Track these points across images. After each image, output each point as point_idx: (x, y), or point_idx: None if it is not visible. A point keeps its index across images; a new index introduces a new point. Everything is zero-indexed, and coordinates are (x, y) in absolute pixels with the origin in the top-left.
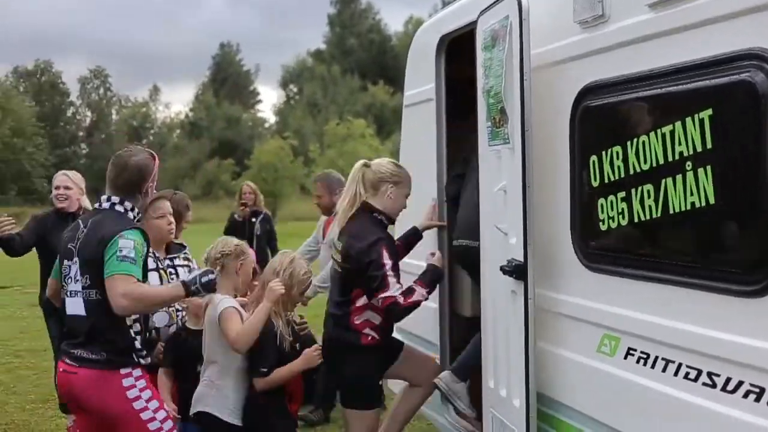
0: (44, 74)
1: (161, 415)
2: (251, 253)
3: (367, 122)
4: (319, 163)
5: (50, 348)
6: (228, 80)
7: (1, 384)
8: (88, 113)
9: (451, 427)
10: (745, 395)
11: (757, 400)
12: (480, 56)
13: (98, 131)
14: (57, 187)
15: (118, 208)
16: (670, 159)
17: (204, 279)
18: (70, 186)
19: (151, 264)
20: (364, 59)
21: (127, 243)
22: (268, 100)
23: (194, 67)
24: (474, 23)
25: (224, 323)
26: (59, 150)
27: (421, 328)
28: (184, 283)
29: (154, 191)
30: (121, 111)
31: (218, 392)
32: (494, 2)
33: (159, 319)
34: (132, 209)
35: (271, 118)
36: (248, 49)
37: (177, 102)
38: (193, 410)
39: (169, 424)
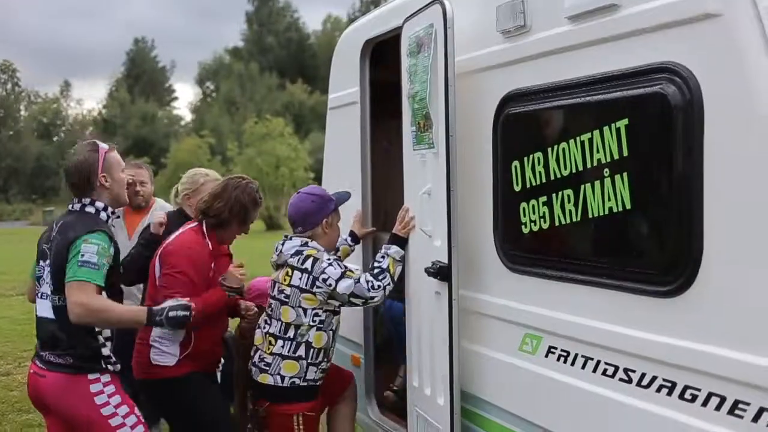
0: None
1: (131, 420)
2: None
3: (285, 121)
4: (237, 162)
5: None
6: (142, 76)
7: None
8: None
9: (375, 426)
10: (658, 390)
11: (669, 394)
12: (405, 62)
13: (5, 128)
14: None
15: (89, 209)
16: (588, 165)
17: (172, 313)
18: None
19: None
20: (282, 57)
21: (90, 248)
22: (184, 97)
23: (107, 63)
24: (399, 29)
25: None
26: None
27: (344, 327)
28: (150, 310)
29: (120, 176)
30: (30, 107)
31: None
32: (419, 10)
33: None
34: (105, 208)
35: (188, 116)
36: (164, 45)
37: (89, 98)
38: None
39: (140, 429)
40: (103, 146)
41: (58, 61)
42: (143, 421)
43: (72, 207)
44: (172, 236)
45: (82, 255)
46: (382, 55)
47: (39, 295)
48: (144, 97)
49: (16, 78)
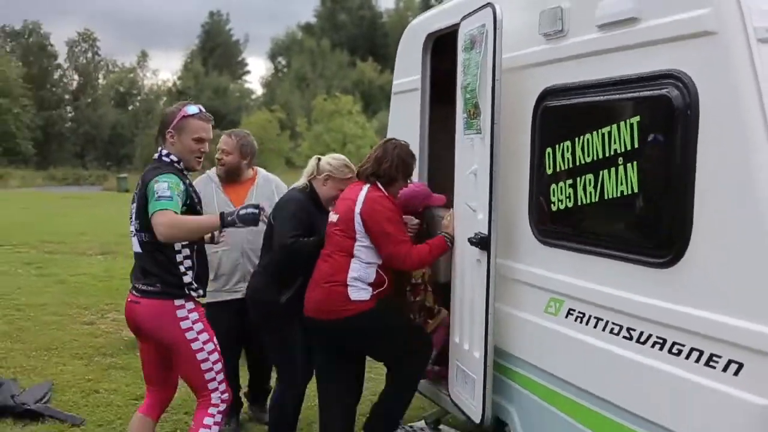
0: (32, 35)
1: (209, 347)
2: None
3: (354, 99)
4: (305, 138)
5: (49, 303)
6: (216, 49)
7: (4, 334)
8: (75, 77)
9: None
10: (653, 345)
11: (661, 349)
12: (460, 56)
13: (84, 95)
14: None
15: (165, 158)
16: (607, 154)
17: (242, 212)
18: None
19: None
20: (354, 35)
21: (161, 186)
22: (256, 71)
23: (183, 35)
24: (456, 25)
25: None
26: (45, 112)
27: None
28: (221, 213)
29: (189, 142)
30: (108, 76)
31: None
32: (473, 11)
33: None
34: (177, 162)
35: (259, 90)
36: (238, 19)
37: (165, 69)
38: None
39: (215, 356)
40: (188, 110)
41: (137, 32)
42: (219, 350)
43: (154, 156)
44: (359, 198)
45: (156, 192)
46: (443, 47)
47: (132, 233)
48: (218, 70)
49: (96, 47)
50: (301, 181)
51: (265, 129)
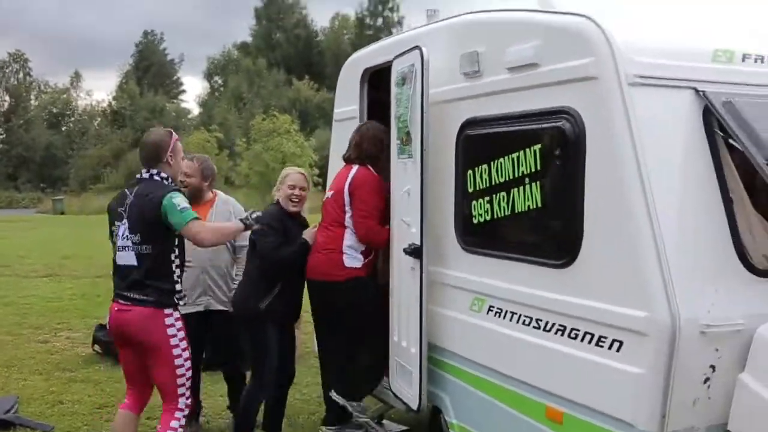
0: None
1: (185, 354)
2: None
3: (292, 118)
4: (244, 157)
5: (0, 324)
6: (151, 69)
7: None
8: (6, 98)
9: None
10: (556, 332)
11: (562, 335)
12: (393, 90)
13: (16, 116)
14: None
15: (156, 178)
16: (516, 175)
17: (254, 215)
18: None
19: None
20: (289, 54)
21: (179, 199)
22: (192, 90)
23: (117, 55)
24: (390, 63)
25: None
26: None
27: None
28: (241, 219)
29: (180, 162)
30: (40, 96)
31: None
32: (404, 51)
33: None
34: (167, 178)
35: (195, 109)
36: (173, 38)
37: (99, 89)
38: None
39: (188, 364)
40: (175, 135)
41: (70, 52)
42: (189, 360)
43: (141, 176)
44: (350, 175)
45: (178, 205)
46: (379, 80)
47: (119, 248)
48: (153, 90)
49: (28, 68)
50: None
51: (204, 149)
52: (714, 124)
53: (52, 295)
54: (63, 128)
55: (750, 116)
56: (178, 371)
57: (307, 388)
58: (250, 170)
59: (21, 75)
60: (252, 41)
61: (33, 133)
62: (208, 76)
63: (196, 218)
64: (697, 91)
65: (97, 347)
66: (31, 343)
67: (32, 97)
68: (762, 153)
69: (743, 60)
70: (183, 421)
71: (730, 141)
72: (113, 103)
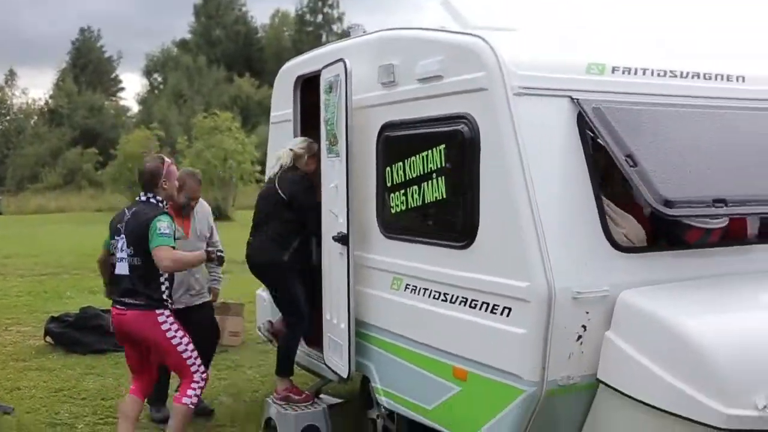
0: None
1: (185, 340)
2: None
3: (233, 115)
4: (186, 155)
5: None
6: (89, 66)
7: None
8: None
9: (305, 354)
10: (459, 303)
11: (464, 304)
12: (322, 96)
13: None
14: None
15: (152, 200)
16: (425, 171)
17: (219, 254)
18: None
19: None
20: (229, 50)
21: (162, 224)
22: (131, 88)
23: (53, 52)
24: (319, 72)
25: None
26: None
27: None
28: (207, 250)
29: (173, 183)
30: None
31: None
32: (331, 63)
33: None
34: (161, 201)
35: (135, 107)
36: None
37: (35, 87)
38: None
39: (191, 345)
40: (168, 160)
41: (3, 49)
42: (191, 343)
43: (140, 198)
44: None
45: (159, 229)
46: (310, 86)
47: (117, 260)
48: (91, 88)
49: None
50: (279, 167)
51: (145, 147)
52: (585, 127)
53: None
54: None
55: (614, 119)
56: (184, 355)
57: (250, 370)
58: (193, 168)
59: None
60: (191, 38)
61: None
62: (147, 73)
63: (167, 245)
64: (572, 99)
65: (48, 338)
66: None
67: None
68: (622, 150)
69: (613, 72)
70: (198, 392)
71: (598, 141)
72: (50, 101)
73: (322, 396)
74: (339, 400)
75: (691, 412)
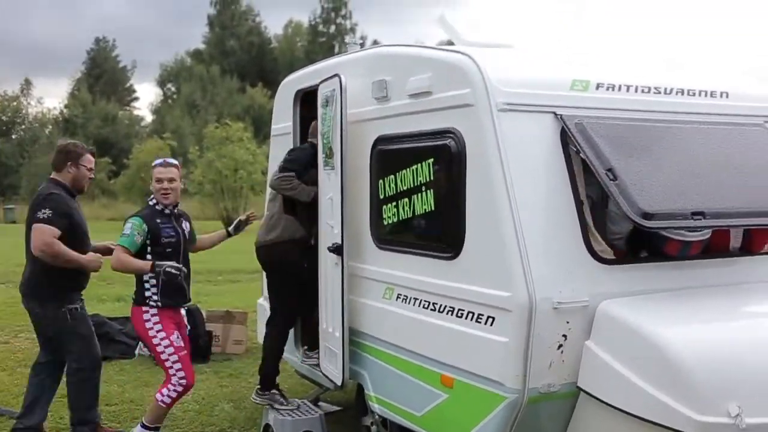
0: None
1: (165, 342)
2: None
3: (245, 125)
4: (198, 165)
5: None
6: (103, 76)
7: None
8: None
9: (300, 363)
10: (447, 312)
11: (451, 314)
12: (319, 110)
13: None
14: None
15: (150, 202)
16: (415, 184)
17: (168, 269)
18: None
19: None
20: (243, 61)
21: (127, 225)
22: (145, 98)
23: (69, 62)
24: (317, 86)
25: None
26: None
27: None
28: (153, 263)
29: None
30: None
31: None
32: (327, 78)
33: None
34: (152, 199)
35: (148, 117)
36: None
37: (51, 97)
38: None
39: (171, 349)
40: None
41: (19, 59)
42: (175, 345)
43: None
44: None
45: (123, 229)
46: (310, 100)
47: None
48: (105, 98)
49: None
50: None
51: (158, 156)
52: (568, 142)
53: (10, 300)
54: (13, 136)
55: (596, 134)
56: (162, 356)
57: (252, 377)
58: (204, 178)
59: None
60: (205, 48)
61: None
62: (161, 83)
63: (121, 245)
64: (556, 114)
65: None
66: None
67: None
68: (603, 164)
69: (597, 88)
70: (173, 394)
71: (580, 155)
72: (65, 110)
73: (320, 403)
74: (337, 408)
75: (665, 419)
